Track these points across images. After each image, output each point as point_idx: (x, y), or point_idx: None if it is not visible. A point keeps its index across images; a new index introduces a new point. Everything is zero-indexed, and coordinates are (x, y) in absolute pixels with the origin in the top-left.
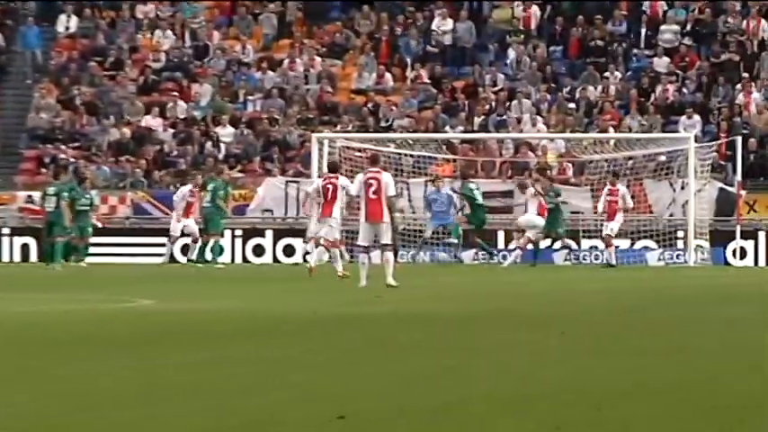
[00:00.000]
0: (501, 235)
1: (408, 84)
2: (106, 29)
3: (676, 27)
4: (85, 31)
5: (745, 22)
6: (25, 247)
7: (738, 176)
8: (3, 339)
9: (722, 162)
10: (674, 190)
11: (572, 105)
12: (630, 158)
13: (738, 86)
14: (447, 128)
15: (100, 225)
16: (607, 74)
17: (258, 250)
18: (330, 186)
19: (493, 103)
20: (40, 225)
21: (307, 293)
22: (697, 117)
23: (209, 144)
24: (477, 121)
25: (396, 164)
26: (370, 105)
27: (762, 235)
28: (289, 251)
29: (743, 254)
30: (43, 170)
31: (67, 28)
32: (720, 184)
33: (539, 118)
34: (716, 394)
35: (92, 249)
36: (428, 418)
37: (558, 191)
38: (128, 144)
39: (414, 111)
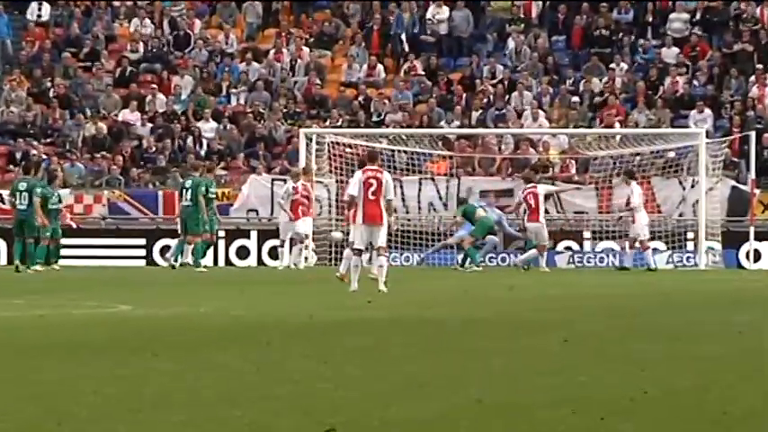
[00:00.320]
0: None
1: (402, 76)
2: (81, 17)
3: (686, 15)
4: (58, 19)
5: (759, 9)
6: None
7: (752, 174)
8: None
9: (735, 159)
10: (684, 188)
11: (575, 99)
12: (637, 155)
13: (752, 78)
14: (442, 123)
15: (75, 226)
16: (612, 65)
17: (242, 252)
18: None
19: (491, 97)
20: (9, 225)
21: (293, 298)
22: (708, 111)
23: (189, 140)
24: (474, 115)
25: (388, 161)
26: (360, 99)
27: None
28: (275, 253)
29: (757, 256)
30: (13, 167)
31: (39, 16)
32: (733, 183)
33: (540, 112)
34: (724, 402)
35: (66, 251)
36: (421, 429)
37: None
38: (104, 140)
39: (407, 104)
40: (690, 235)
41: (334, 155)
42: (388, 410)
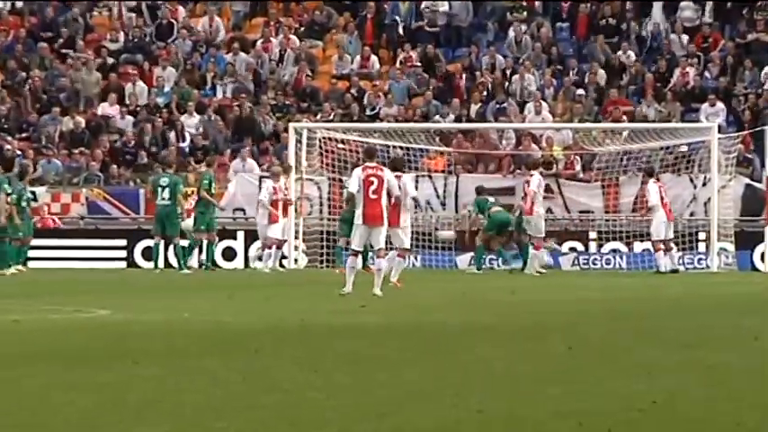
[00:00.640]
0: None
1: (397, 67)
2: (57, 4)
3: (697, 4)
4: (33, 6)
5: None
6: None
7: (767, 171)
8: None
9: (749, 155)
10: (695, 186)
11: (580, 92)
12: (646, 151)
13: (767, 70)
14: (438, 117)
15: (52, 225)
16: (620, 54)
17: (229, 254)
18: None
19: (490, 88)
20: None
21: (283, 302)
22: (720, 105)
23: (172, 134)
24: (473, 108)
25: (383, 157)
26: (353, 91)
27: None
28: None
29: None
30: None
31: (12, 4)
32: (747, 180)
33: (543, 105)
34: (737, 413)
35: (43, 253)
36: None
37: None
38: (82, 135)
39: (403, 97)
40: (701, 236)
41: (326, 151)
42: (382, 422)
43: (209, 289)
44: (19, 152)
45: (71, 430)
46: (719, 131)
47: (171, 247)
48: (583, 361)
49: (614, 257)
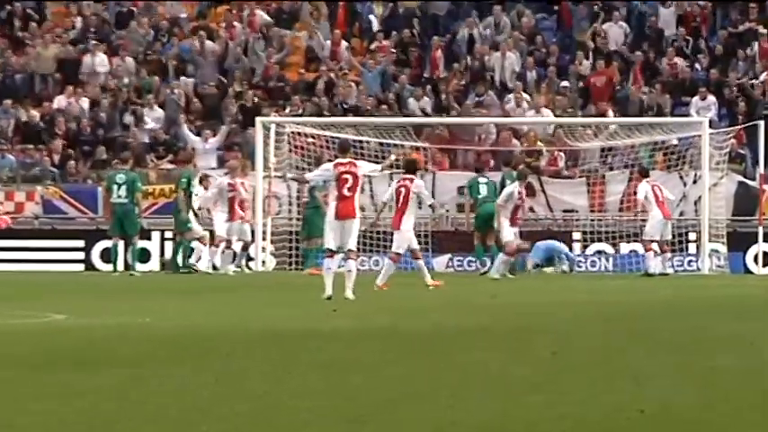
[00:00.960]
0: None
1: (370, 57)
2: None
3: None
4: None
5: None
6: None
7: (761, 168)
8: None
9: (741, 151)
10: (685, 184)
11: (565, 84)
12: (633, 147)
13: (760, 61)
14: (412, 99)
15: (4, 225)
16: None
17: (144, 255)
18: (403, 190)
19: (468, 78)
20: None
21: (251, 306)
22: (712, 98)
23: (132, 128)
24: (451, 101)
25: (355, 153)
26: (324, 82)
27: None
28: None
29: (766, 260)
30: None
31: None
32: (740, 178)
33: (524, 96)
34: (731, 420)
35: None
36: None
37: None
38: (37, 129)
39: (376, 87)
40: (692, 236)
41: (296, 147)
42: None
43: (171, 292)
44: None
45: None
46: (711, 126)
47: (130, 248)
48: (568, 367)
49: (600, 259)
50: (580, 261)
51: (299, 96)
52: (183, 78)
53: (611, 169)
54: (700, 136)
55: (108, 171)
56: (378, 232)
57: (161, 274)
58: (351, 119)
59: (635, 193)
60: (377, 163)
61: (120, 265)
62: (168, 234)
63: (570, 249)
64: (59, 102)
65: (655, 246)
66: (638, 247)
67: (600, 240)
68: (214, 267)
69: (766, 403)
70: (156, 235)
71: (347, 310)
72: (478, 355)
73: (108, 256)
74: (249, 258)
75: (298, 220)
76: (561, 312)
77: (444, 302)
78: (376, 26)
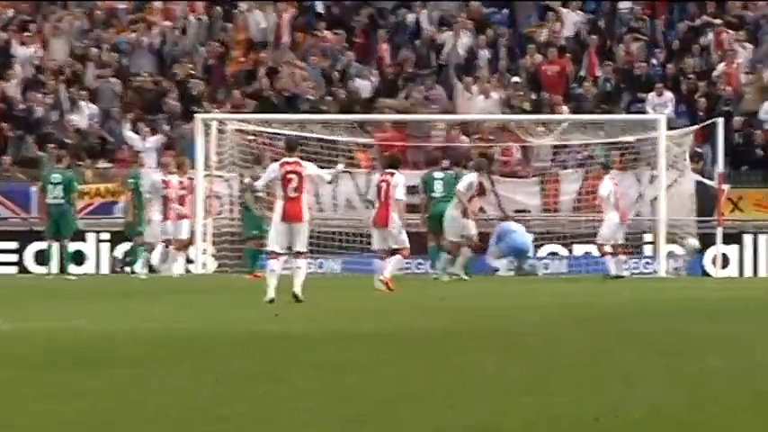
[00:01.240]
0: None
1: (315, 43)
2: None
3: None
4: None
5: None
6: None
7: (720, 167)
8: None
9: (699, 149)
10: (641, 184)
11: (516, 79)
12: (587, 144)
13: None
14: (358, 80)
15: None
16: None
17: (79, 258)
18: (384, 185)
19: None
20: None
21: (192, 310)
22: (669, 94)
23: (67, 124)
24: (400, 94)
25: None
26: (266, 71)
27: (748, 239)
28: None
29: (725, 262)
30: None
31: None
32: (698, 177)
33: (474, 88)
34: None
35: None
36: None
37: None
38: None
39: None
40: (648, 238)
41: (239, 144)
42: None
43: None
44: None
45: None
46: (668, 124)
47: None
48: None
49: (553, 261)
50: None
51: (240, 89)
52: (120, 72)
53: (565, 168)
54: (656, 134)
55: (43, 170)
56: (326, 233)
57: (97, 276)
58: (296, 116)
59: (589, 192)
60: (326, 164)
61: (55, 268)
62: (104, 236)
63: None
64: None
65: (608, 248)
66: (593, 248)
67: (553, 242)
68: (151, 269)
69: (757, 404)
70: (91, 237)
71: (297, 311)
72: (471, 356)
73: (42, 258)
74: (189, 260)
75: (240, 220)
76: (529, 315)
77: (402, 305)
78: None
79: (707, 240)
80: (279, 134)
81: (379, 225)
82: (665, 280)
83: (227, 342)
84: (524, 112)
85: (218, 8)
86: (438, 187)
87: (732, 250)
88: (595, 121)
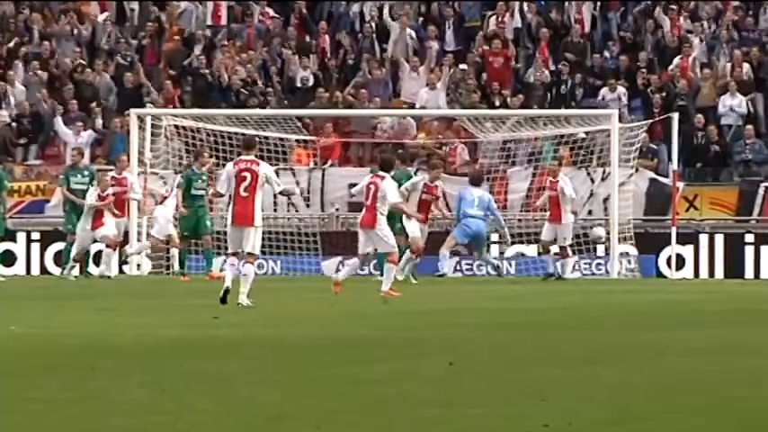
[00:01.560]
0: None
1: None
2: None
3: None
4: None
5: None
6: None
7: (674, 164)
8: None
9: (654, 145)
10: (593, 181)
11: (462, 67)
12: (536, 139)
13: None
14: (301, 71)
15: None
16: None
17: (61, 259)
18: (372, 187)
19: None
20: None
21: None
22: (622, 89)
23: None
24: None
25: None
26: (200, 58)
27: (704, 239)
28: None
29: (680, 263)
30: None
31: None
32: (651, 174)
33: (421, 69)
34: None
35: None
36: None
37: None
38: None
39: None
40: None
41: (172, 140)
42: None
43: (36, 299)
44: None
45: None
46: (620, 119)
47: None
48: (466, 380)
49: (501, 262)
50: (480, 265)
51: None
52: (50, 63)
53: (514, 164)
54: (608, 129)
55: None
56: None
57: (28, 278)
58: (232, 111)
59: (540, 189)
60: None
61: None
62: (35, 236)
63: (470, 252)
64: None
65: (554, 248)
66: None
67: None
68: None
69: (674, 420)
70: (21, 236)
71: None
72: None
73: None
74: (123, 261)
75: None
76: (456, 320)
77: (334, 310)
78: None
79: (661, 241)
80: (215, 130)
81: (365, 226)
82: (616, 282)
83: (114, 351)
84: (472, 106)
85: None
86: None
87: (687, 251)
88: (545, 115)
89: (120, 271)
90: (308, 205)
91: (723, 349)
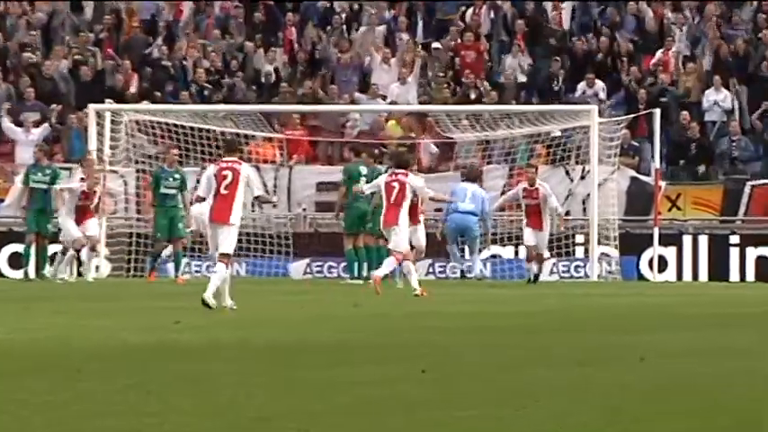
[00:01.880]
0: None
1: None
2: None
3: None
4: None
5: None
6: None
7: (656, 163)
8: None
9: (635, 143)
10: (572, 180)
11: (437, 45)
12: (511, 138)
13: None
14: (267, 65)
15: None
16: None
17: (16, 261)
18: (396, 185)
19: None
20: None
21: (89, 317)
22: (600, 83)
23: None
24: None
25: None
26: (162, 48)
27: (687, 240)
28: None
29: (662, 265)
30: None
31: None
32: (632, 173)
33: (393, 61)
34: None
35: None
36: None
37: None
38: None
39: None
40: (579, 239)
41: (133, 136)
42: None
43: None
44: None
45: None
46: (600, 115)
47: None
48: (447, 384)
49: (486, 266)
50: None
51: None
52: None
53: (490, 163)
54: (587, 126)
55: None
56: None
57: None
58: (197, 106)
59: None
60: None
61: None
62: None
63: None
64: None
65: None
66: (521, 251)
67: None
68: (79, 274)
69: (669, 421)
70: None
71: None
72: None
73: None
74: (80, 263)
75: (137, 220)
76: (437, 323)
77: (306, 313)
78: None
79: (643, 242)
80: (178, 125)
81: (388, 226)
82: (594, 285)
83: (97, 354)
84: (444, 102)
85: None
86: (363, 182)
87: (670, 253)
88: (521, 111)
89: (79, 274)
90: (274, 206)
91: (707, 352)
